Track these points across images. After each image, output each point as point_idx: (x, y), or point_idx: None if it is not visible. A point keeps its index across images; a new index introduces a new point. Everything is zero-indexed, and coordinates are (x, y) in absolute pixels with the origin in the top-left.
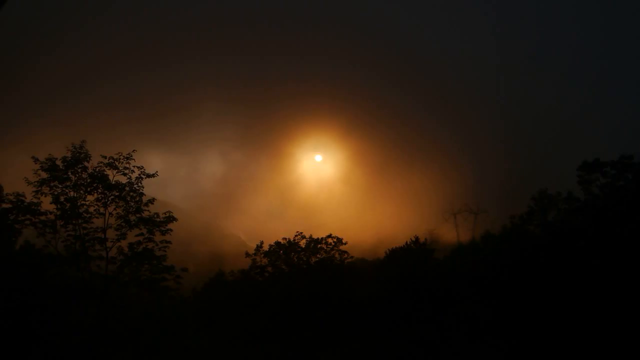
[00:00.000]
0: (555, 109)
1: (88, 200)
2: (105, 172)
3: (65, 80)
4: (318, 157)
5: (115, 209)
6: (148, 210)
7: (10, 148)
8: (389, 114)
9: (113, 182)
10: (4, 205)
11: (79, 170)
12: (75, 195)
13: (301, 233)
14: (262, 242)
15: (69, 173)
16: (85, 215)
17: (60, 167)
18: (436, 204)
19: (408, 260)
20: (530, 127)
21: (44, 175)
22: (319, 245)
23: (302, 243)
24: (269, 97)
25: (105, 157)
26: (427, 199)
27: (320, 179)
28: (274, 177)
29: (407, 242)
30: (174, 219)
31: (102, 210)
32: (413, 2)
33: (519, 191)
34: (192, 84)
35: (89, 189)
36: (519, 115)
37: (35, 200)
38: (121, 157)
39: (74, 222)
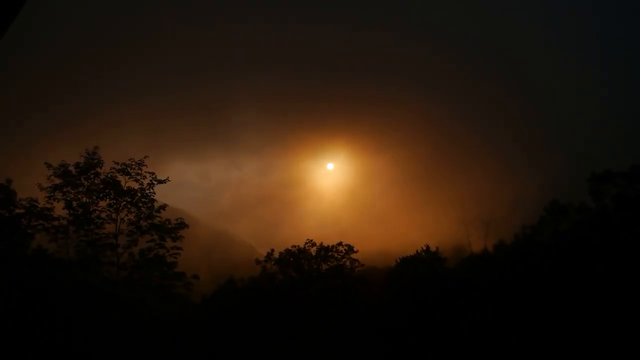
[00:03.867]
0: (572, 119)
1: (100, 206)
2: (117, 178)
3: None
4: (330, 166)
5: (126, 215)
6: (159, 217)
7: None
8: (409, 123)
9: (125, 188)
10: (18, 210)
11: (92, 176)
12: (87, 200)
13: (311, 240)
14: (272, 250)
15: (82, 179)
16: (97, 220)
17: (73, 172)
18: (464, 214)
19: (417, 269)
20: (547, 136)
21: (57, 180)
22: (330, 253)
23: (313, 250)
24: (286, 109)
25: (118, 164)
26: (450, 208)
27: (333, 188)
28: (287, 185)
29: (417, 250)
30: (186, 226)
31: (114, 216)
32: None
33: (537, 201)
34: (221, 99)
35: (101, 195)
36: (535, 125)
37: (48, 206)
38: (133, 163)
39: (86, 227)
